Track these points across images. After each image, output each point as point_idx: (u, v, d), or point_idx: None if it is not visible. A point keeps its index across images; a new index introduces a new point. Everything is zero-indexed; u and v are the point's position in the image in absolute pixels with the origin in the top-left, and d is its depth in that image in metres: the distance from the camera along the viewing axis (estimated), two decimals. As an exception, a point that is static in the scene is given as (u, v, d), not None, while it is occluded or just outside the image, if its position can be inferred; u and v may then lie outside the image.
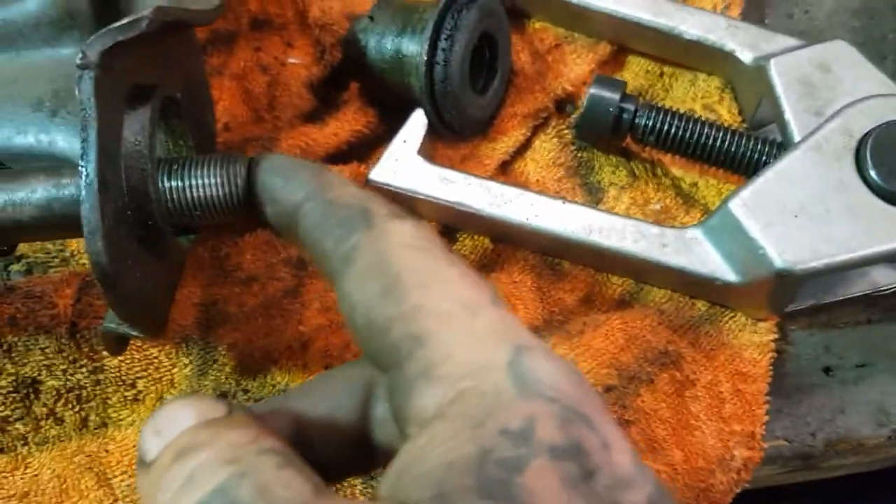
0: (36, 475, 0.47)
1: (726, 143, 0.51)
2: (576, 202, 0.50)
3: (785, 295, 0.48)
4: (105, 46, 0.36)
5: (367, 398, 0.33)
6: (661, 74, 0.58)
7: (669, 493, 0.27)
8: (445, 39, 0.50)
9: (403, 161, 0.51)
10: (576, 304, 0.52)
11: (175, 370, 0.50)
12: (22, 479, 0.47)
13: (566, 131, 0.56)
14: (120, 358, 0.49)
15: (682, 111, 0.53)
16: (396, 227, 0.31)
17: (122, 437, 0.48)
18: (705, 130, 0.51)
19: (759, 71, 0.52)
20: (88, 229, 0.35)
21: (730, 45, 0.53)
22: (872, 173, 0.46)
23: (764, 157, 0.51)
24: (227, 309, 0.51)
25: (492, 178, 0.53)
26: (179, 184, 0.38)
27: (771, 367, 0.50)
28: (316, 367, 0.50)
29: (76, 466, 0.47)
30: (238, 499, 0.25)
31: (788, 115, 0.49)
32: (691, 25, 0.54)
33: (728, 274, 0.47)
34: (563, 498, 0.24)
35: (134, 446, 0.48)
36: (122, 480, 0.47)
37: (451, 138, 0.55)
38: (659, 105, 0.53)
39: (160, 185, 0.38)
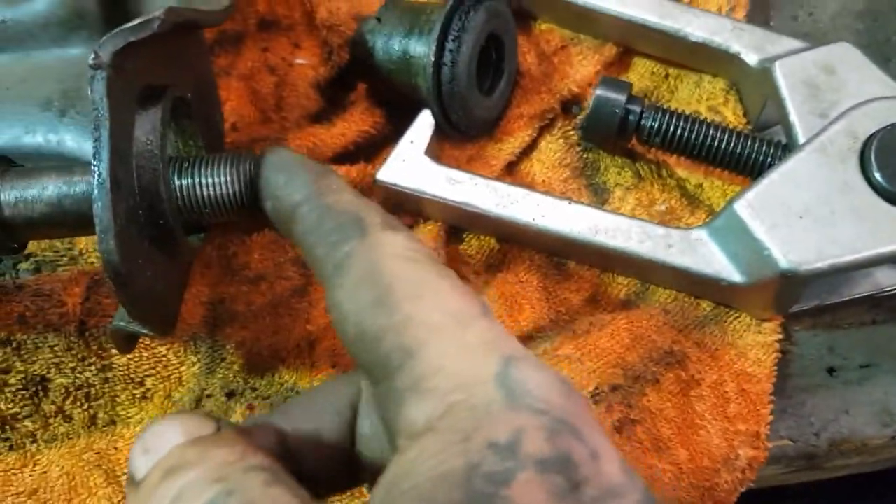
0: (45, 472, 0.48)
1: (731, 144, 0.51)
2: (582, 203, 0.50)
3: (790, 295, 0.49)
4: (117, 47, 0.36)
5: (353, 415, 0.33)
6: (667, 76, 0.58)
7: (658, 500, 0.27)
8: (453, 41, 0.51)
9: (411, 161, 0.52)
10: (581, 303, 0.52)
11: (183, 368, 0.50)
12: (31, 476, 0.47)
13: (572, 132, 0.57)
14: (128, 356, 0.50)
15: (687, 113, 0.53)
16: (389, 238, 0.32)
17: (130, 435, 0.48)
18: (711, 132, 0.52)
19: (764, 73, 0.52)
20: (101, 228, 0.35)
21: (735, 47, 0.53)
22: (877, 175, 0.46)
23: (769, 159, 0.51)
24: (235, 307, 0.51)
25: (498, 178, 0.54)
26: (190, 182, 0.39)
27: (775, 368, 0.50)
28: (323, 365, 0.50)
29: (85, 464, 0.48)
30: None
31: (793, 117, 0.49)
32: (697, 27, 0.54)
33: (733, 274, 0.47)
34: None
35: (142, 444, 0.48)
36: (130, 478, 0.47)
37: (457, 139, 0.55)
38: (664, 106, 0.53)
39: (171, 183, 0.39)
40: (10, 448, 0.48)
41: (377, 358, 0.29)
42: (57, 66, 0.50)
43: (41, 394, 0.49)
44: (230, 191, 0.38)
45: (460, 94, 0.52)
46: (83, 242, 0.53)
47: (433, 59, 0.50)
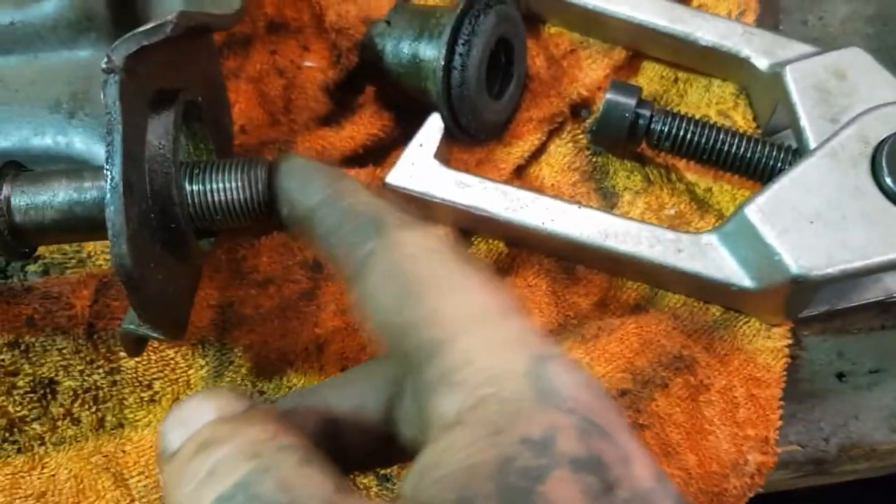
0: (53, 475, 0.47)
1: (742, 148, 0.51)
2: (591, 207, 0.50)
3: (800, 301, 0.48)
4: (130, 51, 0.36)
5: (394, 394, 0.33)
6: (676, 80, 0.58)
7: None
8: (463, 44, 0.50)
9: (420, 165, 0.51)
10: (591, 308, 0.52)
11: (191, 371, 0.50)
12: (39, 479, 0.47)
13: (581, 136, 0.57)
14: (136, 359, 0.49)
15: (697, 117, 0.53)
16: (409, 237, 0.32)
17: (139, 438, 0.48)
18: (721, 136, 0.52)
19: (774, 77, 0.52)
20: (113, 232, 0.35)
21: (745, 51, 0.53)
22: (888, 180, 0.46)
23: (779, 164, 0.51)
24: (243, 311, 0.51)
25: (507, 182, 0.54)
26: (201, 188, 0.39)
27: (785, 373, 0.50)
28: (332, 369, 0.50)
29: (93, 467, 0.48)
30: (260, 493, 0.26)
31: (804, 122, 0.49)
32: (707, 32, 0.54)
33: (743, 280, 0.47)
34: None
35: (151, 447, 0.48)
36: (139, 481, 0.47)
37: (466, 142, 0.55)
38: (674, 111, 0.53)
39: (183, 188, 0.38)
40: (18, 451, 0.48)
41: (404, 352, 0.29)
42: (66, 68, 0.50)
43: (49, 396, 0.49)
44: (242, 197, 0.38)
45: (470, 98, 0.52)
46: (91, 245, 0.53)
47: (443, 63, 0.50)
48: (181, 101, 0.39)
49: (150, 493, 0.47)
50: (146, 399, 0.50)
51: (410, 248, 0.31)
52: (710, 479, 0.48)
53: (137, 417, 0.50)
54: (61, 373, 0.49)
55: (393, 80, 0.55)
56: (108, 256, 0.53)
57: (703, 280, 0.48)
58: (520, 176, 0.56)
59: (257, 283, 0.51)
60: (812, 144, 0.49)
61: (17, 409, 0.49)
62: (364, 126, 0.56)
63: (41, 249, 0.53)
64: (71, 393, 0.49)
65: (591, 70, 0.57)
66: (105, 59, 0.36)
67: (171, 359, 0.50)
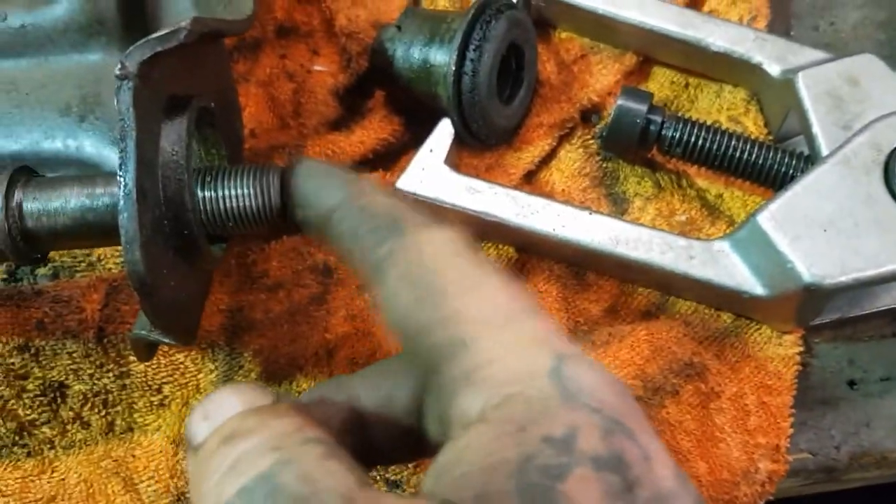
0: (63, 479, 0.48)
1: (753, 155, 0.51)
2: (602, 213, 0.50)
3: (812, 308, 0.48)
4: (144, 57, 0.36)
5: (422, 388, 0.33)
6: (687, 85, 0.58)
7: None
8: (474, 50, 0.50)
9: (430, 170, 0.51)
10: (601, 314, 0.52)
11: (201, 376, 0.50)
12: (49, 482, 0.47)
13: (591, 141, 0.56)
14: (146, 363, 0.49)
15: (709, 123, 0.53)
16: (429, 237, 0.32)
17: (148, 443, 0.48)
18: (733, 143, 0.52)
19: (786, 84, 0.52)
20: (126, 239, 0.35)
21: (757, 57, 0.53)
22: (901, 188, 0.46)
23: (791, 171, 0.51)
24: (253, 315, 0.51)
25: (517, 187, 0.53)
26: (214, 194, 0.39)
27: (796, 380, 0.50)
28: (342, 374, 0.50)
29: (103, 471, 0.48)
30: (282, 485, 0.26)
31: (816, 129, 0.49)
32: (718, 37, 0.54)
33: (755, 287, 0.47)
34: None
35: (160, 452, 0.48)
36: (148, 486, 0.47)
37: (476, 147, 0.55)
38: (686, 117, 0.53)
39: (195, 195, 0.38)
40: (28, 454, 0.49)
41: (426, 351, 0.29)
42: (76, 71, 0.50)
43: (59, 400, 0.49)
44: (254, 204, 0.38)
45: (481, 104, 0.51)
46: (101, 248, 0.53)
47: (454, 68, 0.50)
48: (194, 106, 0.39)
49: (160, 498, 0.47)
50: (156, 403, 0.50)
51: (430, 248, 0.31)
52: (721, 487, 0.48)
53: (147, 421, 0.50)
54: (71, 376, 0.50)
55: (403, 84, 0.54)
56: (117, 260, 0.53)
57: (715, 287, 0.48)
58: (530, 181, 0.56)
59: (267, 288, 0.51)
60: (824, 151, 0.48)
61: (27, 412, 0.49)
62: (374, 131, 0.56)
63: (51, 253, 0.53)
64: (81, 397, 0.49)
65: (602, 75, 0.57)
66: (119, 66, 0.36)
67: (181, 363, 0.50)
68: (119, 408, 0.50)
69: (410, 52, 0.53)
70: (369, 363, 0.50)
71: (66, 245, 0.42)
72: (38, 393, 0.49)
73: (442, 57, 0.52)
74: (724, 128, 0.53)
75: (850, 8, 0.62)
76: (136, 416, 0.50)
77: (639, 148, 0.53)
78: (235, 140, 0.50)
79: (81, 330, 0.50)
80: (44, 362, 0.50)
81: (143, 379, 0.50)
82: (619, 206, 0.55)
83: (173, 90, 0.39)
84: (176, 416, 0.50)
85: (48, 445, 0.49)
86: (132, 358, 0.50)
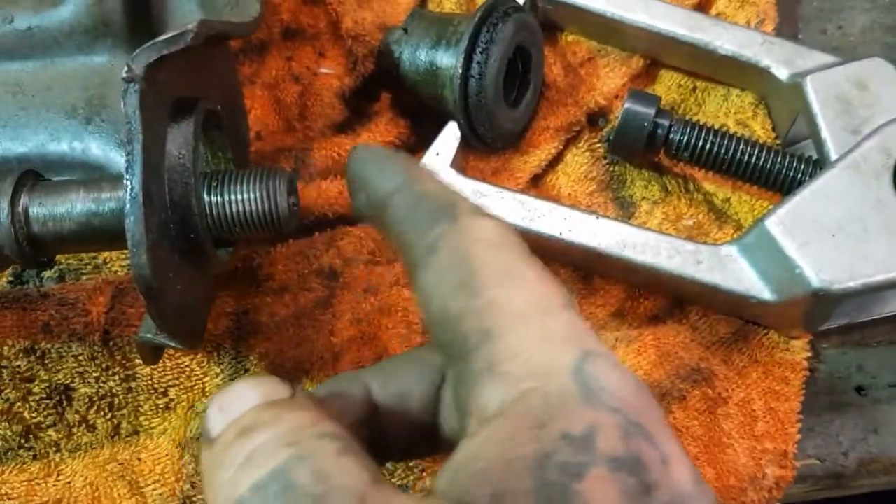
0: (69, 482, 0.47)
1: (762, 159, 0.51)
2: (609, 217, 0.50)
3: (820, 314, 0.48)
4: (150, 60, 0.36)
5: (439, 383, 0.34)
6: (694, 89, 0.58)
7: None
8: (481, 53, 0.50)
9: (436, 174, 0.51)
10: (608, 318, 0.52)
11: (206, 379, 0.50)
12: (55, 486, 0.47)
13: (598, 145, 0.56)
14: (152, 366, 0.49)
15: (716, 127, 0.52)
16: (480, 224, 0.32)
17: (154, 446, 0.48)
18: (741, 147, 0.51)
19: (794, 88, 0.51)
20: (133, 242, 0.35)
21: (765, 61, 0.53)
22: (911, 193, 0.46)
23: (799, 175, 0.50)
24: (259, 319, 0.51)
25: (523, 191, 0.53)
26: (220, 198, 0.39)
27: (803, 386, 0.50)
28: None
29: (109, 474, 0.48)
30: (296, 482, 0.26)
31: (825, 133, 0.49)
32: (726, 41, 0.53)
33: (763, 292, 0.47)
34: None
35: (166, 456, 0.48)
36: (154, 489, 0.47)
37: (482, 151, 0.55)
38: (693, 120, 0.53)
39: (202, 199, 0.38)
40: (34, 457, 0.48)
41: (456, 338, 0.29)
42: (82, 73, 0.50)
43: (65, 403, 0.49)
44: (261, 208, 0.38)
45: (487, 107, 0.51)
46: (107, 251, 0.53)
47: (461, 71, 0.50)
48: (201, 110, 0.39)
49: (166, 502, 0.47)
50: (161, 406, 0.50)
51: (479, 234, 0.31)
52: (728, 493, 0.47)
53: (153, 425, 0.49)
54: (77, 379, 0.50)
55: (409, 87, 0.54)
56: (123, 263, 0.53)
57: (723, 292, 0.48)
58: (536, 185, 0.56)
59: (273, 291, 0.51)
60: (833, 156, 0.48)
61: (33, 415, 0.49)
62: (380, 133, 0.55)
63: (57, 256, 0.53)
64: (86, 400, 0.49)
65: (609, 78, 0.57)
66: (125, 69, 0.36)
67: (187, 366, 0.50)
68: (125, 411, 0.50)
69: (417, 55, 0.53)
70: (375, 367, 0.50)
71: (72, 249, 0.42)
72: (44, 396, 0.49)
73: (448, 60, 0.52)
74: (731, 132, 0.53)
75: (858, 11, 0.61)
76: (141, 419, 0.50)
77: (646, 152, 0.53)
78: (241, 143, 0.50)
79: (87, 333, 0.50)
80: (50, 365, 0.50)
81: (149, 382, 0.50)
82: (625, 210, 0.55)
83: (179, 93, 0.39)
84: (181, 419, 0.49)
85: (54, 448, 0.49)
86: (138, 361, 0.50)
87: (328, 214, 0.53)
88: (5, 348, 0.50)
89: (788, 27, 0.59)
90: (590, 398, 0.26)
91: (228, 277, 0.51)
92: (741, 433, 0.49)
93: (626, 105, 0.52)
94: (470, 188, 0.51)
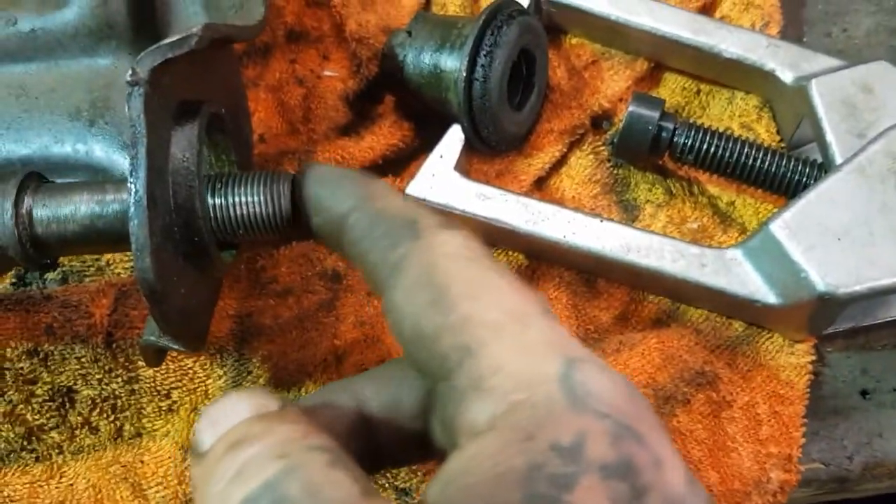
0: (71, 484, 0.47)
1: (766, 163, 0.51)
2: (613, 220, 0.50)
3: (825, 318, 0.48)
4: (155, 63, 0.36)
5: (429, 392, 0.33)
6: (698, 92, 0.57)
7: None
8: (485, 56, 0.50)
9: (440, 176, 0.51)
10: (611, 322, 0.52)
11: (209, 381, 0.50)
12: (57, 488, 0.47)
13: (602, 148, 0.56)
14: (155, 368, 0.49)
15: (721, 130, 0.52)
16: (444, 238, 0.31)
17: (157, 449, 0.48)
18: (745, 150, 0.51)
19: (799, 91, 0.51)
20: (136, 246, 0.35)
21: (770, 64, 0.53)
22: (916, 197, 0.45)
23: (804, 178, 0.50)
24: (262, 321, 0.51)
25: (527, 194, 0.53)
26: (224, 201, 0.38)
27: (808, 389, 0.50)
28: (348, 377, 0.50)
29: (111, 476, 0.47)
30: (286, 495, 0.25)
31: (830, 137, 0.49)
32: (731, 44, 0.53)
33: (768, 296, 0.47)
34: None
35: (169, 458, 0.48)
36: (157, 492, 0.47)
37: (486, 154, 0.55)
38: (698, 124, 0.53)
39: (206, 202, 0.38)
40: (37, 459, 0.48)
41: (435, 357, 0.29)
42: (86, 75, 0.50)
43: (68, 405, 0.49)
44: (265, 211, 0.38)
45: (491, 110, 0.51)
46: (111, 253, 0.53)
47: (465, 74, 0.50)
48: (205, 113, 0.39)
49: (169, 505, 0.47)
50: (164, 408, 0.50)
51: (444, 248, 0.31)
52: (733, 497, 0.47)
53: (156, 427, 0.49)
54: (80, 381, 0.49)
55: (413, 90, 0.54)
56: (126, 265, 0.52)
57: (727, 296, 0.47)
58: (540, 188, 0.55)
59: (276, 294, 0.51)
60: (838, 159, 0.48)
61: (36, 417, 0.49)
62: (384, 136, 0.55)
63: (60, 258, 0.53)
64: (89, 402, 0.49)
65: (613, 81, 0.57)
66: (129, 72, 0.36)
67: (190, 368, 0.50)
68: (128, 413, 0.49)
69: (421, 58, 0.53)
70: (378, 370, 0.50)
71: (76, 251, 0.42)
72: (47, 398, 0.49)
73: (453, 63, 0.52)
74: (736, 135, 0.52)
75: (863, 14, 0.61)
76: (144, 421, 0.49)
77: (650, 155, 0.53)
78: (245, 145, 0.50)
79: (90, 335, 0.50)
80: (52, 367, 0.50)
81: (152, 384, 0.50)
82: (629, 213, 0.55)
83: (184, 96, 0.39)
84: (185, 421, 0.49)
85: (56, 451, 0.49)
86: (141, 363, 0.50)
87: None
88: (8, 350, 0.49)
89: (793, 30, 0.59)
90: (577, 405, 0.26)
91: (232, 280, 0.51)
92: (745, 437, 0.48)
93: (631, 108, 0.52)
94: (474, 191, 0.51)
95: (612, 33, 0.56)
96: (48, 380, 0.49)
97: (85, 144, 0.48)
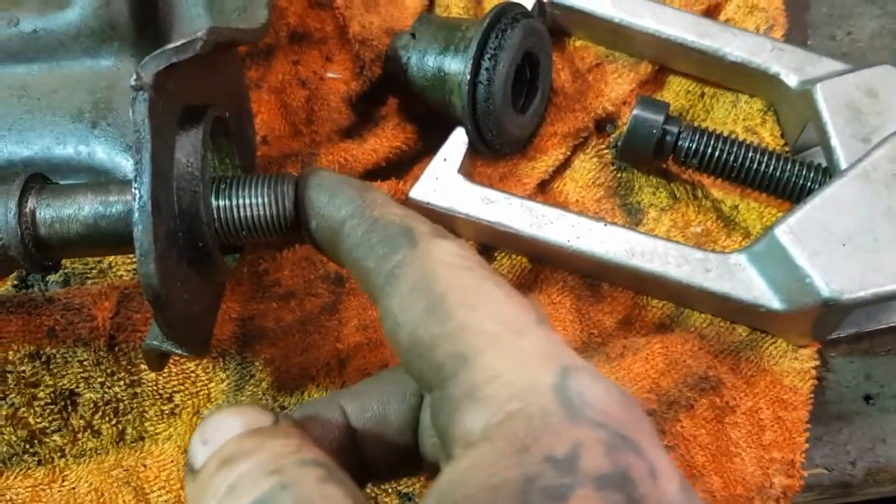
0: (73, 488, 0.47)
1: (770, 167, 0.51)
2: (617, 224, 0.50)
3: (829, 323, 0.48)
4: (160, 67, 0.36)
5: (417, 403, 0.33)
6: (702, 95, 0.57)
7: None
8: (489, 59, 0.50)
9: (444, 180, 0.51)
10: (615, 326, 0.52)
11: (212, 385, 0.50)
12: (59, 492, 0.47)
13: (606, 151, 0.56)
14: (157, 372, 0.49)
15: (726, 134, 0.52)
16: (440, 246, 0.31)
17: (159, 452, 0.48)
18: (749, 154, 0.51)
19: (804, 95, 0.51)
20: (141, 251, 0.35)
21: (775, 67, 0.53)
22: (921, 202, 0.45)
23: (808, 183, 0.50)
24: (265, 324, 0.51)
25: (531, 197, 0.53)
26: (228, 203, 0.38)
27: (811, 395, 0.50)
28: (352, 385, 0.50)
29: (114, 480, 0.47)
30: None
31: (835, 141, 0.49)
32: (735, 47, 0.53)
33: (773, 301, 0.47)
34: None
35: (172, 462, 0.48)
36: (159, 496, 0.47)
37: (490, 156, 0.55)
38: (703, 128, 0.52)
39: (210, 206, 0.38)
40: (39, 463, 0.48)
41: (431, 366, 0.29)
42: (88, 76, 0.49)
43: (70, 408, 0.49)
44: (268, 213, 0.38)
45: (495, 113, 0.51)
46: (113, 256, 0.53)
47: (469, 77, 0.50)
48: (209, 117, 0.39)
49: (171, 509, 0.47)
50: (167, 412, 0.50)
51: (441, 256, 0.31)
52: (736, 502, 0.47)
53: (158, 430, 0.49)
54: (82, 384, 0.49)
55: (417, 92, 0.54)
56: (129, 267, 0.52)
57: (732, 301, 0.47)
58: (543, 191, 0.55)
59: (279, 297, 0.51)
60: (843, 164, 0.48)
61: (38, 420, 0.49)
62: (387, 139, 0.55)
63: (63, 260, 0.53)
64: (91, 405, 0.49)
65: (617, 84, 0.57)
66: (134, 76, 0.35)
67: (192, 372, 0.50)
68: (130, 416, 0.49)
69: (425, 60, 0.53)
70: (381, 374, 0.50)
71: (79, 253, 0.42)
72: (49, 401, 0.49)
73: (457, 65, 0.51)
74: (740, 139, 0.52)
75: (867, 18, 0.61)
76: (146, 424, 0.49)
77: (654, 158, 0.53)
78: (248, 148, 0.50)
79: (92, 338, 0.50)
80: (55, 370, 0.49)
81: (154, 388, 0.50)
82: (633, 217, 0.55)
83: (188, 100, 0.39)
84: (187, 425, 0.49)
85: (59, 454, 0.49)
86: (143, 366, 0.49)
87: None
88: (10, 353, 0.49)
89: (797, 33, 0.59)
90: (573, 415, 0.26)
91: (234, 283, 0.51)
92: (749, 442, 0.48)
93: (635, 111, 0.52)
94: (477, 194, 0.51)
95: (615, 36, 0.56)
96: (50, 383, 0.49)
97: (87, 146, 0.48)
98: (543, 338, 0.29)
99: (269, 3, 0.46)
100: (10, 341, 0.49)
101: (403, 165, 0.56)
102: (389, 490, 0.48)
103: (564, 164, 0.56)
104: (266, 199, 0.38)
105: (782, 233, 0.46)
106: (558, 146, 0.55)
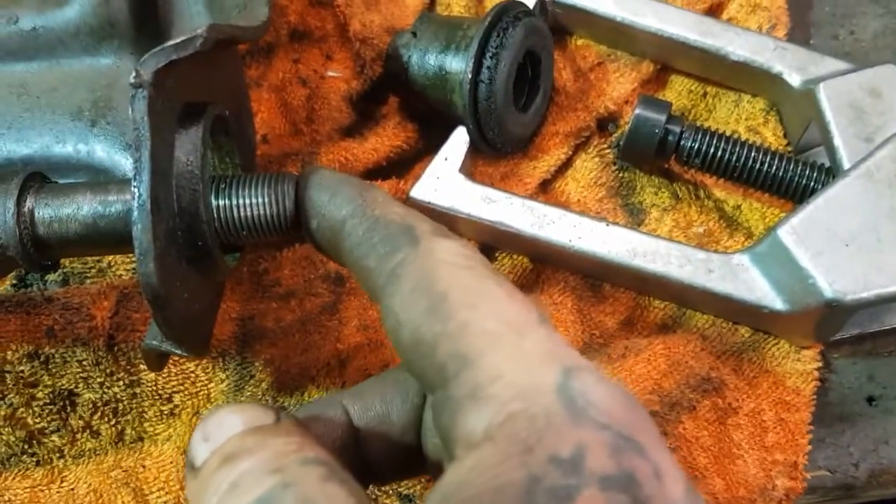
0: (72, 489, 0.47)
1: (773, 167, 0.50)
2: (619, 225, 0.49)
3: (832, 324, 0.48)
4: (159, 65, 0.35)
5: (420, 403, 0.33)
6: (705, 94, 0.57)
7: None
8: (491, 57, 0.50)
9: (445, 179, 0.51)
10: (617, 327, 0.51)
11: (211, 385, 0.50)
12: (58, 492, 0.47)
13: (607, 151, 0.56)
14: (157, 372, 0.49)
15: (728, 134, 0.52)
16: (442, 246, 0.31)
17: (158, 453, 0.48)
18: (752, 154, 0.51)
19: (807, 94, 0.51)
20: (140, 251, 0.34)
21: (777, 67, 0.52)
22: (925, 202, 0.45)
23: (811, 183, 0.50)
24: (265, 324, 0.50)
25: (532, 197, 0.53)
26: (228, 202, 0.38)
27: (814, 396, 0.49)
28: (353, 385, 0.50)
29: (113, 481, 0.47)
30: None
31: (838, 141, 0.48)
32: (738, 46, 0.53)
33: (775, 302, 0.46)
34: None
35: (171, 463, 0.47)
36: (158, 497, 0.47)
37: (491, 156, 0.55)
38: (705, 127, 0.52)
39: (210, 205, 0.38)
40: (38, 463, 0.48)
41: (433, 365, 0.29)
42: (87, 74, 0.49)
43: (69, 408, 0.49)
44: (269, 212, 0.37)
45: (497, 112, 0.51)
46: (112, 255, 0.52)
47: (470, 76, 0.50)
48: (209, 115, 0.38)
49: (170, 510, 0.47)
50: (166, 412, 0.49)
51: (442, 255, 0.31)
52: (738, 504, 0.47)
53: (157, 431, 0.49)
54: (81, 385, 0.49)
55: (418, 91, 0.54)
56: (128, 266, 0.52)
57: (734, 301, 0.47)
58: (545, 190, 0.55)
59: (279, 297, 0.51)
60: (846, 164, 0.48)
61: (37, 420, 0.48)
62: (388, 138, 0.55)
63: (61, 260, 0.53)
64: (90, 405, 0.49)
65: (619, 84, 0.56)
66: (133, 74, 0.35)
67: (192, 372, 0.50)
68: (129, 417, 0.49)
69: (426, 59, 0.53)
70: (382, 374, 0.50)
71: (78, 252, 0.42)
72: (48, 401, 0.49)
73: (458, 64, 0.51)
74: (742, 138, 0.52)
75: (870, 17, 0.61)
76: (146, 425, 0.49)
77: (656, 158, 0.53)
78: (248, 146, 0.50)
79: (91, 338, 0.49)
80: (53, 370, 0.49)
81: (154, 388, 0.49)
82: (635, 217, 0.54)
83: (188, 98, 0.39)
84: (186, 425, 0.49)
85: (57, 454, 0.48)
86: (142, 366, 0.49)
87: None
88: (9, 353, 0.49)
89: (800, 32, 0.59)
90: (577, 416, 0.26)
91: (234, 283, 0.51)
92: (751, 444, 0.48)
93: (637, 111, 0.51)
94: (479, 194, 0.50)
95: (617, 35, 0.56)
96: (49, 383, 0.49)
97: (86, 144, 0.48)
98: (546, 338, 0.28)
99: (269, 0, 0.46)
100: (9, 341, 0.49)
101: (404, 165, 0.55)
102: (390, 492, 0.47)
103: (566, 164, 0.55)
104: (266, 199, 0.38)
105: (785, 233, 0.45)
106: (560, 145, 0.55)
